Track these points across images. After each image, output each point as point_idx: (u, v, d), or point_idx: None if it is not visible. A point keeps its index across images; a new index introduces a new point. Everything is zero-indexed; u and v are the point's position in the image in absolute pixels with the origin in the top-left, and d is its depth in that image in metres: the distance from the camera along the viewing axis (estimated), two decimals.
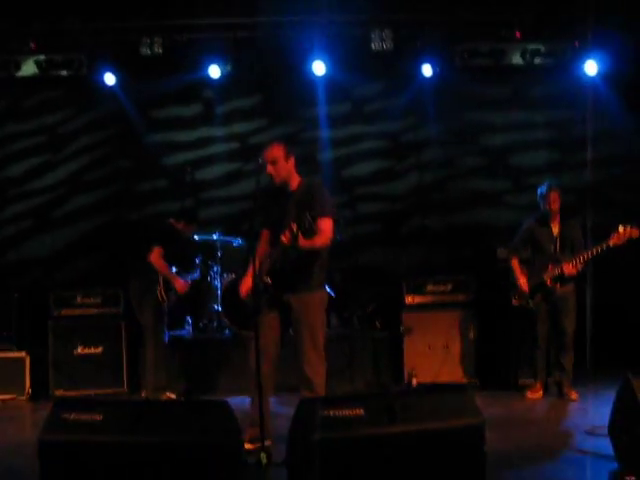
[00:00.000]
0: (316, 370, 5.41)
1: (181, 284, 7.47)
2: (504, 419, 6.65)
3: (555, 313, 7.37)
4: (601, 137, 9.26)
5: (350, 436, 4.10)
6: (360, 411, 4.16)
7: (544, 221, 7.45)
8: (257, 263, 5.39)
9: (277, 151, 5.43)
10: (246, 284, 5.45)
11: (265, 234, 5.66)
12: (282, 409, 6.27)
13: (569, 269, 7.19)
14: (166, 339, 7.60)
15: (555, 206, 7.35)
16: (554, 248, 7.35)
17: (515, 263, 7.54)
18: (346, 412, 4.16)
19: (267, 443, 5.22)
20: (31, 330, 8.28)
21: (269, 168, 5.41)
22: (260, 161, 5.41)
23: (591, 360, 8.67)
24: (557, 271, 7.25)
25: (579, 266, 7.19)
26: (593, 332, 8.60)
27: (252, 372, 5.20)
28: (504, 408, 7.12)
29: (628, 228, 6.90)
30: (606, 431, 4.98)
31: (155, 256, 7.36)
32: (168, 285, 7.42)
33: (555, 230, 7.41)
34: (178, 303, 7.75)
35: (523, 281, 7.44)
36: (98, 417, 4.04)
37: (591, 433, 6.00)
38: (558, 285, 7.30)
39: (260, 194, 5.55)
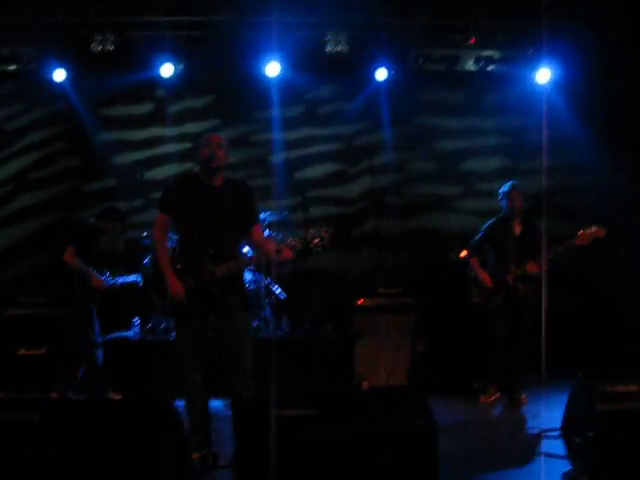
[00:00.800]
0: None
1: (98, 282, 7.35)
2: (456, 422, 6.65)
3: (513, 314, 7.38)
4: (553, 144, 9.33)
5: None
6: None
7: (506, 221, 7.49)
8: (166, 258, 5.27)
9: (224, 140, 5.35)
10: (177, 285, 5.19)
11: (164, 219, 5.39)
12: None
13: (533, 268, 7.22)
14: (97, 339, 7.48)
15: (517, 205, 7.39)
16: (515, 248, 7.37)
17: (475, 261, 7.54)
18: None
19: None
20: None
21: (215, 149, 5.23)
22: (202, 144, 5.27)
23: (545, 363, 8.69)
24: (520, 270, 7.28)
25: (543, 266, 7.21)
26: (547, 335, 8.61)
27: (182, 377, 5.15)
28: (456, 411, 7.10)
29: (594, 228, 6.96)
30: (558, 433, 4.99)
31: (67, 255, 7.29)
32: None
33: (517, 230, 7.44)
34: (120, 303, 7.65)
35: (486, 277, 7.42)
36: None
37: (544, 435, 6.01)
38: (521, 285, 7.31)
39: (178, 180, 5.57)
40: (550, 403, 7.18)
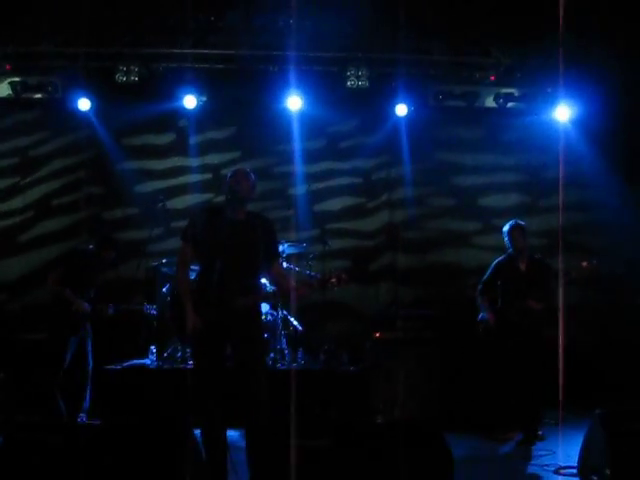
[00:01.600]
0: None
1: (77, 305, 7.32)
2: (472, 457, 6.60)
3: (519, 350, 7.36)
4: (571, 182, 9.36)
5: None
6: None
7: (512, 258, 7.50)
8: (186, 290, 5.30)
9: (251, 174, 5.41)
10: (195, 317, 5.17)
11: (187, 250, 5.37)
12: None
13: (533, 304, 7.23)
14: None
15: (519, 243, 7.40)
16: (520, 284, 7.38)
17: (485, 299, 7.56)
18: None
19: None
20: None
21: (241, 180, 5.29)
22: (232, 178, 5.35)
23: (562, 399, 8.62)
24: (522, 307, 7.29)
25: (544, 301, 7.21)
26: (565, 371, 8.54)
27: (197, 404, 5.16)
28: (472, 446, 7.06)
29: (591, 263, 6.99)
30: (575, 470, 4.96)
31: (49, 280, 7.33)
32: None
33: (522, 267, 7.45)
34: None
35: (491, 316, 7.45)
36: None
37: (560, 472, 5.97)
38: (524, 321, 7.32)
39: (201, 211, 5.60)
40: (567, 440, 7.13)
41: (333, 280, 5.16)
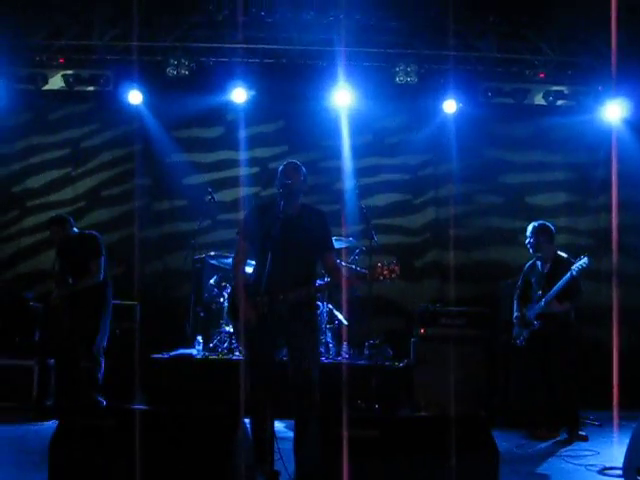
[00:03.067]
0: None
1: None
2: (516, 456, 6.58)
3: (544, 351, 7.35)
4: (620, 182, 9.25)
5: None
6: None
7: (536, 260, 7.50)
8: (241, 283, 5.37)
9: (302, 167, 5.45)
10: (249, 310, 5.24)
11: (243, 245, 5.48)
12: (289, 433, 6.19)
13: (549, 306, 7.20)
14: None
15: (540, 245, 7.38)
16: (542, 286, 7.35)
17: (518, 302, 7.60)
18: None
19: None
20: (42, 340, 8.24)
21: (291, 174, 5.34)
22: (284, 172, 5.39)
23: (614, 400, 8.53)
24: (539, 308, 7.27)
25: (561, 303, 7.17)
26: (618, 372, 8.43)
27: (247, 394, 5.23)
28: (515, 444, 7.02)
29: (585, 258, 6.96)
30: (620, 472, 4.92)
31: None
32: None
33: (545, 268, 7.43)
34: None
35: (516, 319, 7.50)
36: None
37: (605, 473, 5.93)
38: (541, 323, 7.30)
39: (256, 206, 5.68)
40: (612, 441, 7.08)
41: (385, 272, 5.17)
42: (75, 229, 7.80)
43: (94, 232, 7.81)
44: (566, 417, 7.30)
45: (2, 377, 7.75)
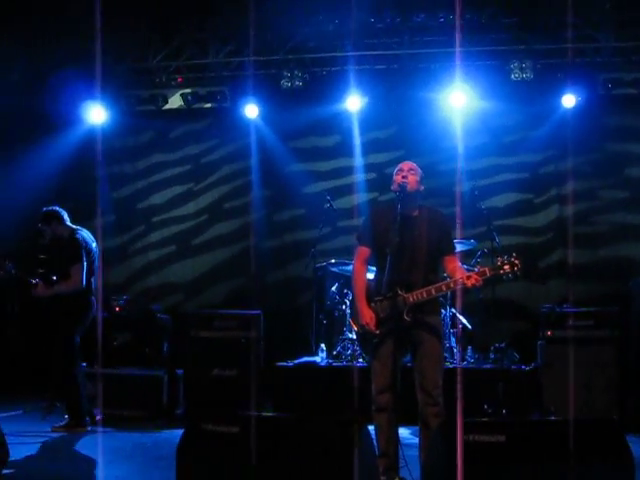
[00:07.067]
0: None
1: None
2: None
3: None
4: None
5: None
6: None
7: None
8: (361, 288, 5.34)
9: (416, 167, 5.42)
10: (368, 314, 5.23)
11: (363, 251, 5.43)
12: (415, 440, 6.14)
13: None
14: None
15: None
16: None
17: None
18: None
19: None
20: (170, 351, 8.50)
21: (407, 174, 5.30)
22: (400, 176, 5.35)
23: None
24: None
25: None
26: None
27: (372, 400, 5.21)
28: None
29: None
30: None
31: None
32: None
33: None
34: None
35: None
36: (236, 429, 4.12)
37: None
38: None
39: (374, 211, 5.62)
40: None
41: (506, 267, 5.04)
42: (68, 224, 7.42)
43: (79, 234, 7.39)
44: None
45: (134, 387, 8.03)
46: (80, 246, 7.26)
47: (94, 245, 7.48)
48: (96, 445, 6.80)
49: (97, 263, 7.45)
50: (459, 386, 6.84)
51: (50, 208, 7.44)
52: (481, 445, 4.14)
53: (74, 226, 7.46)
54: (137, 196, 10.39)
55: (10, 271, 7.14)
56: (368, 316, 5.20)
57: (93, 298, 7.43)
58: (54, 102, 9.40)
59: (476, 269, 5.26)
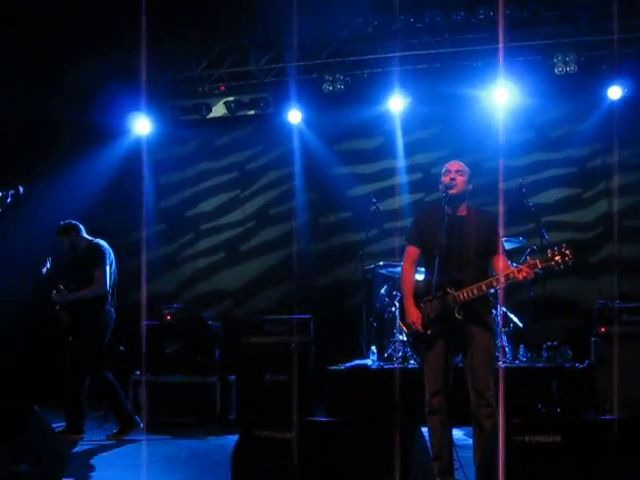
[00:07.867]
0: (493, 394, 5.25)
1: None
2: None
3: None
4: None
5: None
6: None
7: None
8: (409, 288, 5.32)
9: (464, 167, 5.38)
10: (415, 314, 5.22)
11: (412, 251, 5.40)
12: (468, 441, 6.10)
13: None
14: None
15: None
16: None
17: None
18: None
19: None
20: (222, 357, 8.57)
21: (454, 176, 5.25)
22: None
23: None
24: None
25: None
26: None
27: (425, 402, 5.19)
28: None
29: None
30: None
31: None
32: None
33: None
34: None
35: None
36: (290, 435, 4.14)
37: None
38: None
39: (423, 211, 5.63)
40: None
41: (557, 257, 4.96)
42: (85, 235, 7.54)
43: (100, 241, 7.53)
44: None
45: (187, 394, 8.11)
46: (103, 251, 7.42)
47: (113, 256, 7.58)
48: (151, 453, 6.85)
49: (115, 277, 7.54)
50: (513, 386, 6.79)
51: (68, 221, 7.57)
52: (537, 446, 4.09)
53: (91, 237, 7.59)
54: (185, 205, 10.52)
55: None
56: (415, 315, 5.18)
57: (112, 309, 7.50)
58: (102, 114, 9.57)
59: (528, 259, 5.21)
